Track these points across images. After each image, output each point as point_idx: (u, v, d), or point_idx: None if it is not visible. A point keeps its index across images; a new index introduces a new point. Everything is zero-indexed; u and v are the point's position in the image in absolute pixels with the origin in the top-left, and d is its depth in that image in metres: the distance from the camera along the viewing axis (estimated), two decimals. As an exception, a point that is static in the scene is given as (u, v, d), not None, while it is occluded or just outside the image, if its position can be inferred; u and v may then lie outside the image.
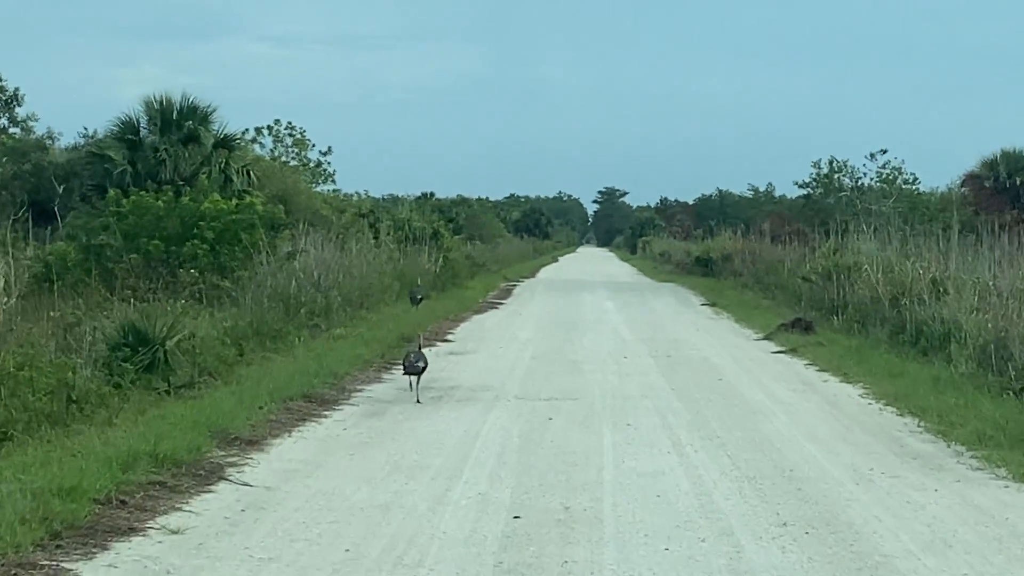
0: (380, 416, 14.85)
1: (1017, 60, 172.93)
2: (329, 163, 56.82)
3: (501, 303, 38.21)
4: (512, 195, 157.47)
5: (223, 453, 11.97)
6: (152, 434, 11.83)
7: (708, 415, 15.18)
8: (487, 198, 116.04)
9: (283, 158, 55.14)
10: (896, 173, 45.54)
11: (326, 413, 14.93)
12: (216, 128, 32.88)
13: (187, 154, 31.99)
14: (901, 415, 15.39)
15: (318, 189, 53.08)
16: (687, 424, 14.44)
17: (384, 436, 13.40)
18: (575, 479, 11.13)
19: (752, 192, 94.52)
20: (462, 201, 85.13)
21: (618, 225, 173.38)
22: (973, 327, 20.48)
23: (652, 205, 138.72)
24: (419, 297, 31.57)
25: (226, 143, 32.86)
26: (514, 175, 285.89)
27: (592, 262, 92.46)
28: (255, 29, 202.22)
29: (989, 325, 20.08)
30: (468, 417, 14.81)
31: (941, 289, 24.53)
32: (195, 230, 27.05)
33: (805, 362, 21.50)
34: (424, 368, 16.82)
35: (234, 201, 28.02)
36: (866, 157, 46.21)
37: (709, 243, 62.81)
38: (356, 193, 51.29)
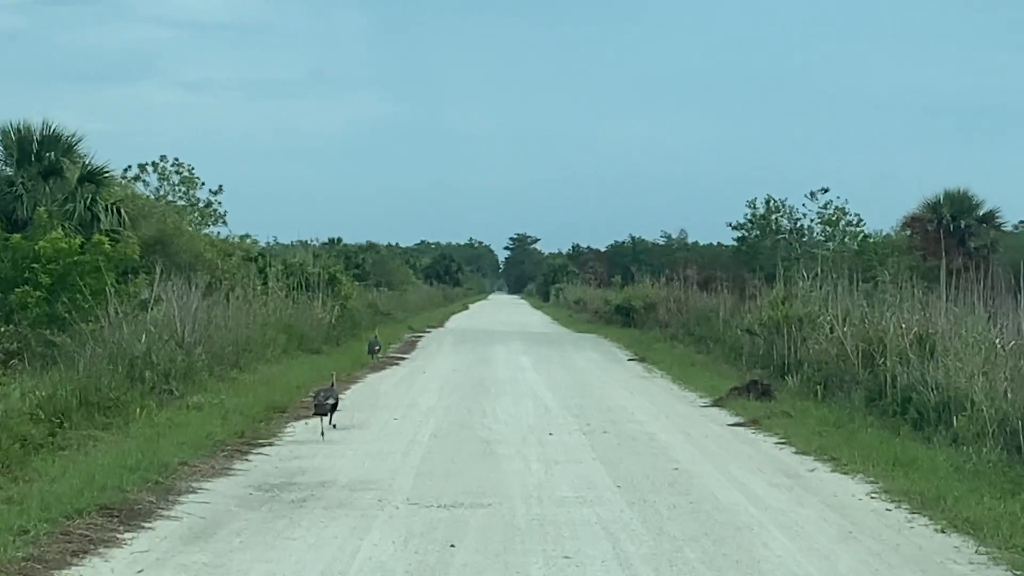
0: (204, 542, 10.21)
1: (949, 106, 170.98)
2: (220, 203, 51.84)
3: (403, 358, 33.65)
4: (423, 241, 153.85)
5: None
6: None
7: (676, 535, 10.69)
8: (397, 244, 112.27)
9: (169, 197, 50.31)
10: (840, 214, 41.53)
11: (125, 537, 10.26)
12: (82, 160, 28.77)
13: (48, 189, 27.91)
14: (943, 531, 11.03)
15: (208, 231, 48.19)
16: (651, 555, 9.94)
17: (197, 585, 8.81)
18: None
19: (665, 239, 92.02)
20: (370, 247, 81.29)
21: (530, 272, 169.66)
22: (985, 397, 16.30)
23: (564, 252, 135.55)
24: (376, 348, 31.25)
25: (93, 177, 28.85)
26: (425, 221, 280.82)
27: (504, 310, 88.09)
28: (166, 74, 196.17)
29: (1009, 394, 15.94)
30: (334, 542, 10.23)
31: (928, 347, 20.41)
32: (28, 274, 22.39)
33: (775, 440, 17.16)
34: (335, 405, 17.25)
35: (78, 239, 23.35)
36: (806, 196, 42.20)
37: (629, 291, 58.63)
38: (247, 235, 46.22)
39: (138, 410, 17.66)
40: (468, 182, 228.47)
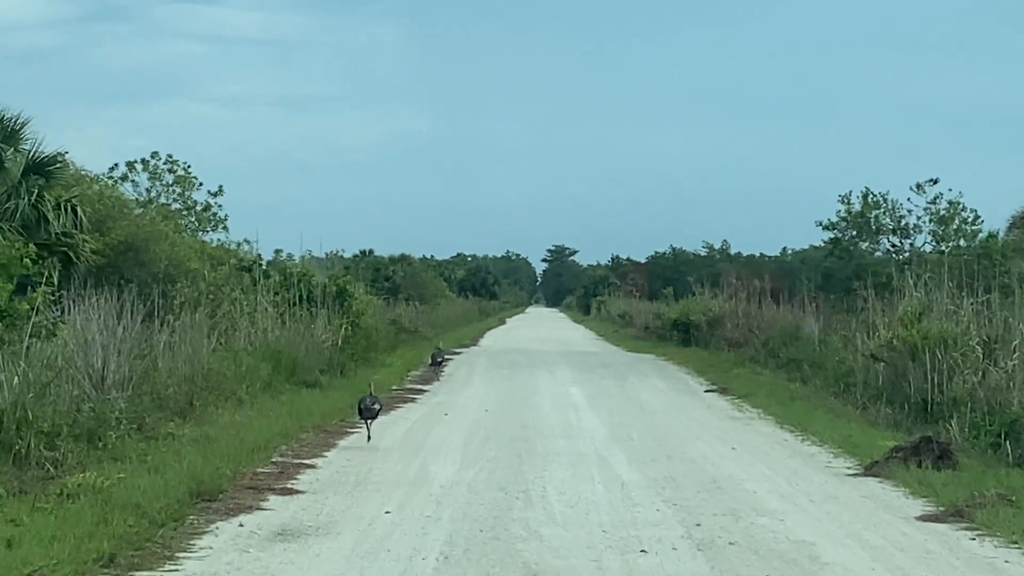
0: None
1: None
2: (220, 206, 44.92)
3: (423, 391, 26.62)
4: (459, 254, 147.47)
5: None
6: None
7: None
8: (432, 256, 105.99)
9: (161, 198, 43.59)
10: (954, 209, 34.28)
11: None
12: (28, 148, 23.28)
13: (-16, 182, 22.26)
14: None
15: (206, 237, 41.29)
16: None
17: None
18: None
19: (707, 249, 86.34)
20: (402, 259, 74.92)
21: (568, 284, 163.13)
22: None
23: (604, 264, 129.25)
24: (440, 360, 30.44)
25: (40, 168, 23.27)
26: (461, 234, 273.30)
27: (544, 325, 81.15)
28: (202, 90, 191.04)
29: None
30: None
31: None
32: None
33: (1026, 559, 10.08)
34: (380, 410, 17.62)
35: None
36: (911, 189, 34.94)
37: (686, 303, 51.50)
38: (245, 241, 39.17)
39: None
40: (505, 194, 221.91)
